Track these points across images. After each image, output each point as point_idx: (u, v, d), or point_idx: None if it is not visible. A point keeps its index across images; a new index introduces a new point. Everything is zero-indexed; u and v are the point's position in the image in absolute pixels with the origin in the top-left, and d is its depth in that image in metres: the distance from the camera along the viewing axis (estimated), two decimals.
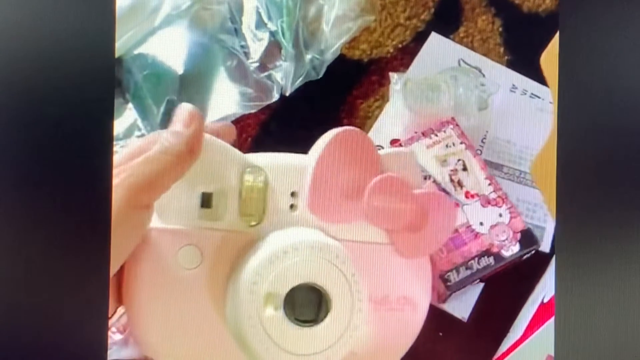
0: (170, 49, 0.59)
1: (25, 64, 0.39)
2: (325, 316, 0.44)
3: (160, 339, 0.44)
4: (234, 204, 0.44)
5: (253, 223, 0.45)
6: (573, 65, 0.37)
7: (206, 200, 0.44)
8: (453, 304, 0.53)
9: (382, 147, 0.57)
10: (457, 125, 0.55)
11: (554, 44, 0.42)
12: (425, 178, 0.53)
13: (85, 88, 0.40)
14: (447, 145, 0.54)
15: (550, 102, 0.58)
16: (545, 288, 0.49)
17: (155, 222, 0.43)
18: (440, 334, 0.48)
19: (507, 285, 0.53)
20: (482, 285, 0.54)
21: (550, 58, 0.42)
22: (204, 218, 0.44)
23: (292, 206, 0.45)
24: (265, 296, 0.43)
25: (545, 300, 0.47)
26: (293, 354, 0.44)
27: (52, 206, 0.39)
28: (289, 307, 0.44)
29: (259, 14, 0.60)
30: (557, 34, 0.40)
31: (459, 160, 0.54)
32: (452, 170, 0.54)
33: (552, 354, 0.44)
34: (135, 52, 0.58)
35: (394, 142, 0.57)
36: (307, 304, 0.44)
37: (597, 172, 0.37)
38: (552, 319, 0.44)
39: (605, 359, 0.37)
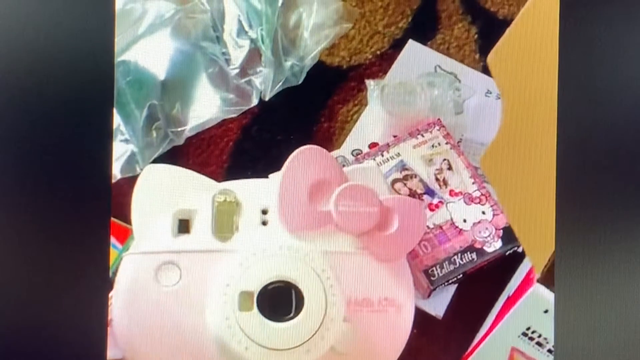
0: (154, 56, 0.60)
1: (26, 68, 0.40)
2: (299, 311, 0.45)
3: (145, 351, 0.45)
4: (208, 224, 0.47)
5: (226, 240, 0.47)
6: (572, 66, 0.39)
7: (183, 227, 0.46)
8: (429, 301, 0.54)
9: (361, 151, 0.58)
10: (442, 126, 0.57)
11: (501, 44, 0.43)
12: (411, 177, 0.55)
13: (85, 91, 0.41)
14: (433, 145, 0.56)
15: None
16: (513, 283, 0.50)
17: (135, 248, 0.46)
18: (415, 330, 0.49)
19: (481, 283, 0.54)
20: (456, 283, 0.55)
21: (497, 56, 0.44)
22: (181, 241, 0.46)
23: (264, 223, 0.48)
24: (240, 296, 0.45)
25: (511, 294, 0.49)
26: (272, 349, 0.45)
27: (52, 207, 0.40)
28: (264, 305, 0.45)
29: (240, 22, 0.62)
30: (505, 33, 0.42)
31: (444, 159, 0.56)
32: (437, 170, 0.55)
33: (517, 346, 0.46)
34: (119, 59, 0.59)
35: (373, 145, 0.58)
36: (281, 301, 0.46)
37: (596, 172, 0.38)
38: (513, 311, 0.45)
39: (605, 356, 0.38)
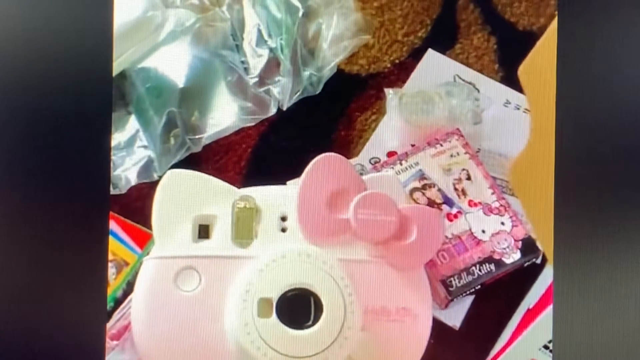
0: (173, 63, 0.60)
1: (29, 76, 0.41)
2: (318, 318, 0.45)
3: (163, 357, 0.45)
4: (228, 230, 0.47)
5: (246, 246, 0.47)
6: (572, 69, 0.39)
7: (203, 232, 0.47)
8: (446, 312, 0.54)
9: (379, 159, 0.58)
10: (461, 135, 0.57)
11: (532, 56, 0.43)
12: (430, 186, 0.55)
13: (86, 99, 0.41)
14: (451, 155, 0.56)
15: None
16: (533, 295, 0.50)
17: (154, 252, 0.46)
18: (432, 341, 0.49)
19: (499, 294, 0.54)
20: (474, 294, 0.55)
21: (528, 69, 0.44)
22: (201, 246, 0.47)
23: (283, 229, 0.48)
24: (259, 302, 0.45)
25: (531, 306, 0.48)
26: (291, 357, 0.45)
27: (52, 211, 0.40)
28: (283, 312, 0.45)
29: (259, 31, 0.62)
30: (535, 47, 0.42)
31: (463, 169, 0.56)
32: (456, 179, 0.55)
33: (537, 358, 0.45)
34: (139, 66, 0.60)
35: (391, 154, 0.58)
36: (300, 308, 0.46)
37: (595, 174, 0.38)
38: (535, 323, 0.45)
39: (602, 355, 0.38)
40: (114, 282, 0.52)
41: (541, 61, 0.43)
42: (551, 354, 0.45)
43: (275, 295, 0.45)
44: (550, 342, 0.45)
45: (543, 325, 0.44)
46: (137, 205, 0.56)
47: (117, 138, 0.58)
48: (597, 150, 0.40)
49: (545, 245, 0.42)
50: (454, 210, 0.54)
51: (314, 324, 0.45)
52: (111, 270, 0.52)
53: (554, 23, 0.43)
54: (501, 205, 0.54)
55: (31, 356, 0.41)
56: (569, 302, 0.39)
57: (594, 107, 0.40)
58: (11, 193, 0.41)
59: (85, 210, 0.41)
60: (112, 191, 0.54)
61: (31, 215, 0.41)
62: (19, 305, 0.41)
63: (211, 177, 0.48)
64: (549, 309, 0.43)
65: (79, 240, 0.41)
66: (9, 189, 0.41)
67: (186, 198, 0.47)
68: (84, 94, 0.41)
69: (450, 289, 0.52)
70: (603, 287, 0.38)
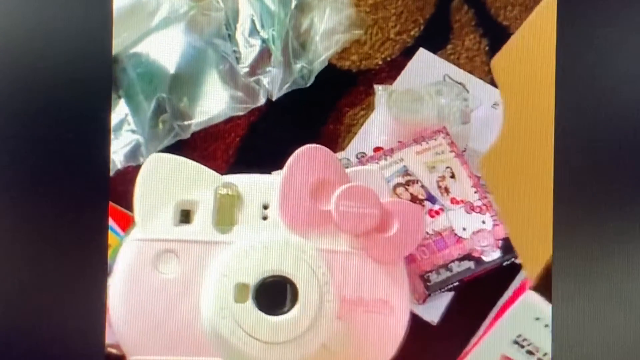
0: (165, 49, 0.61)
1: (28, 63, 0.41)
2: (294, 306, 0.46)
3: (140, 338, 0.45)
4: (209, 216, 0.47)
5: (226, 232, 0.48)
6: (570, 69, 0.39)
7: (185, 217, 0.47)
8: (424, 307, 0.54)
9: (365, 154, 0.58)
10: (447, 134, 0.57)
11: (505, 49, 0.44)
12: (413, 182, 0.55)
13: (84, 85, 0.41)
14: (436, 153, 0.56)
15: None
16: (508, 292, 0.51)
17: (136, 234, 0.47)
18: (408, 335, 0.49)
19: (477, 292, 0.54)
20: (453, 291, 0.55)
21: (501, 62, 0.44)
22: (181, 230, 0.47)
23: (264, 217, 0.48)
24: (235, 287, 0.45)
25: (504, 302, 0.49)
26: (265, 342, 0.45)
27: (50, 203, 0.41)
28: (259, 298, 0.46)
29: (252, 22, 0.62)
30: (510, 40, 0.43)
31: (447, 167, 0.56)
32: (440, 177, 0.56)
33: (507, 353, 0.46)
34: (131, 51, 0.60)
35: (378, 149, 0.58)
36: (276, 295, 0.46)
37: (594, 173, 0.39)
38: (506, 316, 0.45)
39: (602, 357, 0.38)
40: None
41: (515, 54, 0.43)
42: (521, 349, 0.46)
43: (252, 281, 0.46)
44: (519, 336, 0.45)
45: (513, 320, 0.44)
46: (122, 189, 0.56)
47: None
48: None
49: (517, 241, 0.43)
50: (436, 207, 0.55)
51: (288, 310, 0.46)
52: None
53: (531, 17, 0.43)
54: (483, 204, 0.55)
55: (29, 347, 0.41)
56: (568, 302, 0.39)
57: (588, 106, 0.40)
58: (8, 181, 0.41)
59: (83, 197, 0.42)
60: None
61: (27, 203, 0.41)
62: (16, 296, 0.41)
63: (194, 163, 0.49)
64: (518, 302, 0.43)
65: (78, 228, 0.42)
66: (6, 178, 0.41)
67: (168, 182, 0.48)
68: (83, 82, 0.42)
69: (429, 284, 0.52)
70: (602, 286, 0.39)
